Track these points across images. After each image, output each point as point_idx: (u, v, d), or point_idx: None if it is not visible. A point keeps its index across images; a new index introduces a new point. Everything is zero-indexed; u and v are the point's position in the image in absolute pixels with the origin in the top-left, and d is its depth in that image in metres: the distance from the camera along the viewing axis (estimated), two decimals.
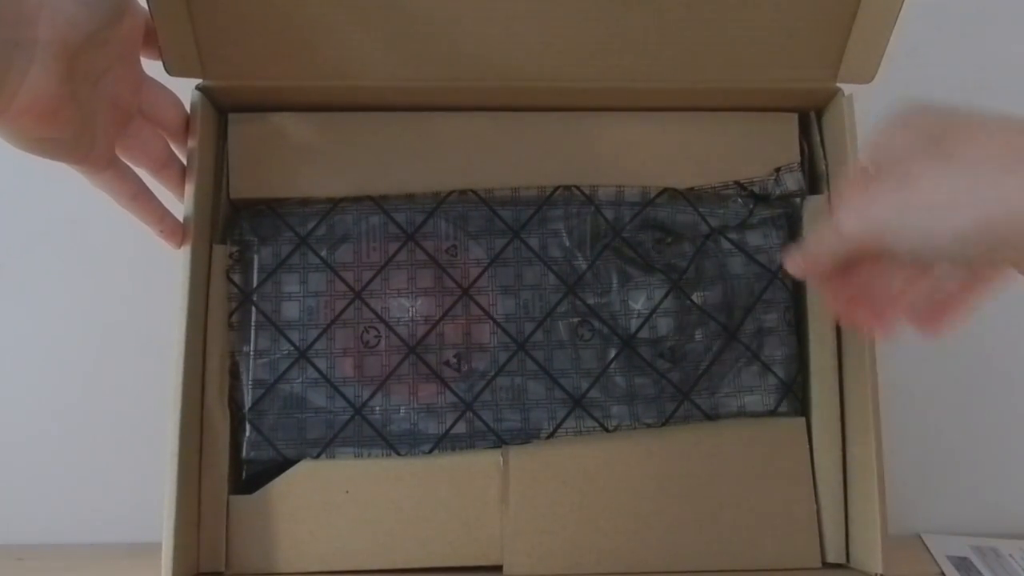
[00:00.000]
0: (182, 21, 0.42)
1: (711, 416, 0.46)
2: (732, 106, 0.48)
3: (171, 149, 0.44)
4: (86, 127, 0.38)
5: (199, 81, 0.45)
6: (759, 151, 0.48)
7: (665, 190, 0.47)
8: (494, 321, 0.46)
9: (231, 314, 0.46)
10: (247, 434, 0.45)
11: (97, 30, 0.37)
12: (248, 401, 0.45)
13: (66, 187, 0.42)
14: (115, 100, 0.41)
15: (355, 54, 0.44)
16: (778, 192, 0.47)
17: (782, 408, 0.46)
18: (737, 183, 0.47)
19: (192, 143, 0.44)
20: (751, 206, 0.47)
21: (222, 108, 0.47)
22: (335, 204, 0.47)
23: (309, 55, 0.44)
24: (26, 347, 0.54)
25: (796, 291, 0.48)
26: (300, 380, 0.45)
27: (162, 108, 0.43)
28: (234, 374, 0.45)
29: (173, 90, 0.44)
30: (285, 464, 0.45)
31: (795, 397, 0.46)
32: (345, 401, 0.45)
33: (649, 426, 0.46)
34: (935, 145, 0.30)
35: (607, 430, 0.45)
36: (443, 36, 0.43)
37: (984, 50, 0.59)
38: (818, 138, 0.48)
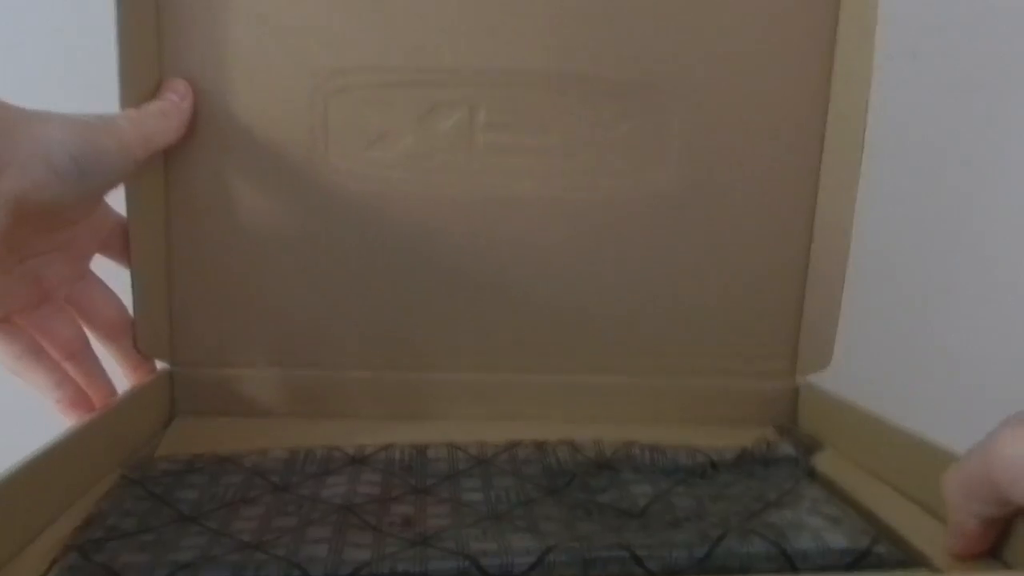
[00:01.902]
0: (160, 306, 0.44)
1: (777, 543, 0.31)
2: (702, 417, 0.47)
3: (86, 343, 0.41)
4: None
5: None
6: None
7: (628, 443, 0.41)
8: (458, 502, 0.35)
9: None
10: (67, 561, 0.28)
11: (57, 201, 0.35)
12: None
13: None
14: (36, 280, 0.39)
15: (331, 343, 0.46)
16: (772, 455, 0.42)
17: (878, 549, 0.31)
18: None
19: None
20: (744, 451, 0.41)
21: (175, 404, 0.45)
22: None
23: (284, 344, 0.46)
24: None
25: None
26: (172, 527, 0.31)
27: (95, 306, 0.42)
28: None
29: None
30: None
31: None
32: (233, 541, 0.30)
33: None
34: None
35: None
36: (421, 326, 0.46)
37: (984, 50, 0.57)
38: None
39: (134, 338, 0.44)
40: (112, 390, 0.42)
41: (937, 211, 0.60)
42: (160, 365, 0.45)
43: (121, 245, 0.43)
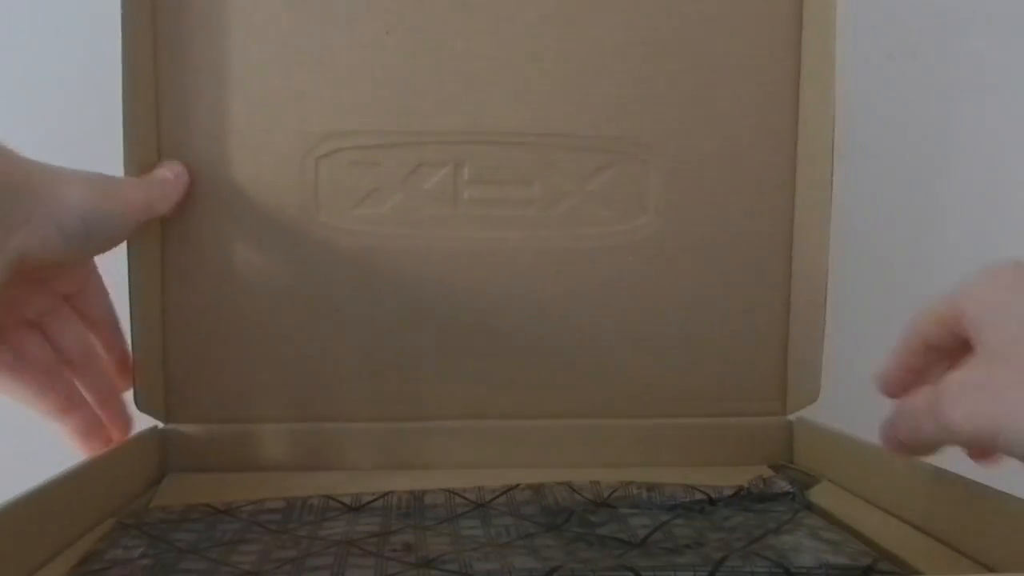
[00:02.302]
0: (157, 364, 0.45)
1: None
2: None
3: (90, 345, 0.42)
4: None
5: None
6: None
7: (626, 483, 0.41)
8: (458, 536, 0.34)
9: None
10: None
11: (59, 261, 0.36)
12: None
13: None
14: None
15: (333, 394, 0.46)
16: (769, 492, 0.42)
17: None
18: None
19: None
20: (741, 488, 0.41)
21: (167, 461, 0.45)
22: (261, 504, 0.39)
23: (278, 398, 0.46)
24: None
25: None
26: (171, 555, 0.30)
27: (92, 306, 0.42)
28: None
29: None
30: None
31: None
32: (234, 570, 0.29)
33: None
34: None
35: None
36: (415, 376, 0.46)
37: (984, 50, 0.56)
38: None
39: (133, 394, 0.44)
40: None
41: (926, 218, 0.58)
42: (152, 422, 0.45)
43: (93, 291, 0.42)
